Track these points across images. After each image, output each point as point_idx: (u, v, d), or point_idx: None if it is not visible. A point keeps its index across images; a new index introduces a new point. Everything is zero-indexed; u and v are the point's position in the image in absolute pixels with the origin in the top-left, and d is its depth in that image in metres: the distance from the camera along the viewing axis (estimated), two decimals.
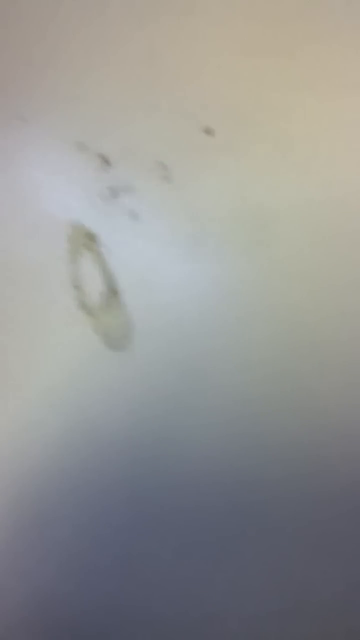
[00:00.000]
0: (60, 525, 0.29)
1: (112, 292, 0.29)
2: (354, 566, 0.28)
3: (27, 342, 0.29)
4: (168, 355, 0.29)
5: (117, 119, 0.29)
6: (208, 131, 0.29)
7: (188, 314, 0.29)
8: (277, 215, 0.28)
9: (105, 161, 0.29)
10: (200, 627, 0.29)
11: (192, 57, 0.28)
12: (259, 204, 0.28)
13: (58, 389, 0.29)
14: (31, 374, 0.29)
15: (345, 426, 0.27)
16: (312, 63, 0.27)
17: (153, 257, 0.29)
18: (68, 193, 0.30)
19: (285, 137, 0.28)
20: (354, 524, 0.28)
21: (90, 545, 0.29)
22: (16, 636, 0.30)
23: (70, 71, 0.29)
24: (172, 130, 0.29)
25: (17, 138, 0.30)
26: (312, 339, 0.28)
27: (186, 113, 0.29)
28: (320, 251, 0.28)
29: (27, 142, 0.30)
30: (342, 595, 0.28)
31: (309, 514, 0.28)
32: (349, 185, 0.27)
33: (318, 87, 0.27)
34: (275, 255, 0.28)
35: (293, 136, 0.27)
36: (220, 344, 0.29)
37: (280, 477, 0.28)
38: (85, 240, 0.29)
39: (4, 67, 0.30)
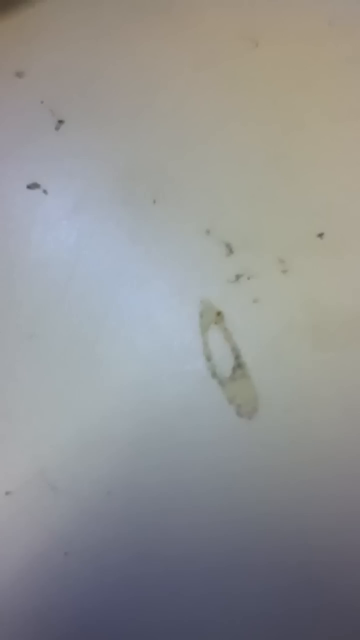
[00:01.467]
0: None
1: (239, 364, 0.31)
2: None
3: (163, 405, 0.30)
4: (290, 427, 0.31)
5: (244, 214, 0.34)
6: (320, 235, 0.34)
7: (310, 394, 0.32)
8: None
9: (230, 249, 0.33)
10: None
11: (315, 174, 0.35)
12: None
13: (192, 450, 0.30)
14: (168, 432, 0.30)
15: None
16: None
17: (274, 338, 0.32)
18: (198, 273, 0.33)
19: None
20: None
21: None
22: None
23: (203, 162, 0.34)
24: (291, 230, 0.34)
25: (149, 217, 0.33)
26: None
27: (305, 217, 0.34)
28: None
29: (158, 222, 0.33)
30: None
31: None
32: None
33: None
34: None
35: None
36: (338, 431, 0.31)
37: None
38: (215, 316, 0.32)
39: (142, 153, 0.34)
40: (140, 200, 0.34)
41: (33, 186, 0.34)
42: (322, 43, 0.36)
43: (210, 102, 0.36)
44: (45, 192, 0.34)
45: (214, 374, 0.31)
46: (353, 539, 0.29)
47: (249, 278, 0.33)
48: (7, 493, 0.28)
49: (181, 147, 0.35)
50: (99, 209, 0.34)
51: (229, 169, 0.35)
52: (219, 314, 0.32)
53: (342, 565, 0.28)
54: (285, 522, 0.29)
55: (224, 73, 0.37)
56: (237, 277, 0.33)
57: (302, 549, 0.28)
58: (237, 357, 0.31)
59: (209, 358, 0.31)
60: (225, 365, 0.31)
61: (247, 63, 0.36)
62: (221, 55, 0.37)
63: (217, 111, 0.36)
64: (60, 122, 0.36)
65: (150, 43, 0.37)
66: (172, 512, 0.28)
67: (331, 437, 0.30)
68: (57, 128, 0.36)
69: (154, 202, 0.34)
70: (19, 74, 0.37)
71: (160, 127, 0.35)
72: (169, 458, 0.29)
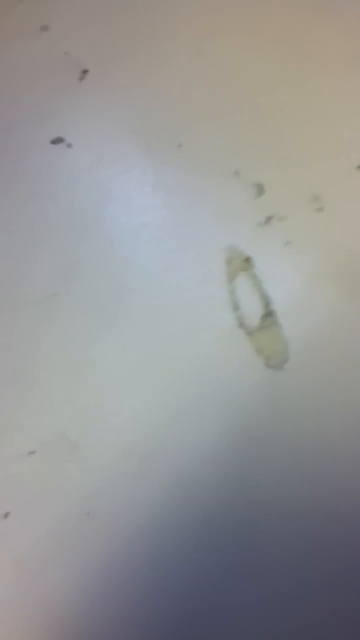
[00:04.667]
0: None
1: (268, 312, 0.29)
2: None
3: (186, 360, 0.29)
4: (322, 375, 0.29)
5: (276, 151, 0.31)
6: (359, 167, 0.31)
7: (340, 341, 0.29)
8: None
9: (261, 190, 0.31)
10: None
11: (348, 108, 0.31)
12: None
13: (217, 404, 0.28)
14: (191, 388, 0.29)
15: None
16: None
17: (307, 284, 0.30)
18: (225, 218, 0.31)
19: None
20: None
21: None
22: None
23: (230, 102, 0.32)
24: (327, 164, 0.31)
25: (174, 163, 0.32)
26: None
27: (340, 150, 0.31)
28: None
29: (183, 167, 0.31)
30: None
31: None
32: None
33: None
34: None
35: None
36: None
37: None
38: (242, 263, 0.30)
39: (166, 97, 0.32)
40: (165, 146, 0.32)
41: (57, 141, 0.33)
42: None
43: (234, 40, 0.33)
44: (69, 145, 0.33)
45: (242, 324, 0.29)
46: None
47: (280, 219, 0.31)
48: (30, 453, 0.28)
49: (206, 88, 0.33)
50: (123, 159, 0.33)
51: (257, 106, 0.32)
52: (247, 260, 0.30)
53: None
54: (312, 476, 0.27)
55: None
56: (268, 219, 0.31)
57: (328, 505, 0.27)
58: (267, 305, 0.29)
59: (236, 307, 0.29)
60: (253, 314, 0.29)
61: None
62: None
63: (242, 50, 0.33)
64: (85, 72, 0.35)
65: None
66: (195, 469, 0.28)
67: None
68: (81, 79, 0.35)
69: (180, 145, 0.32)
70: (44, 28, 0.37)
71: (184, 70, 0.33)
72: (193, 413, 0.28)
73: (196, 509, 0.27)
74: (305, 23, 0.33)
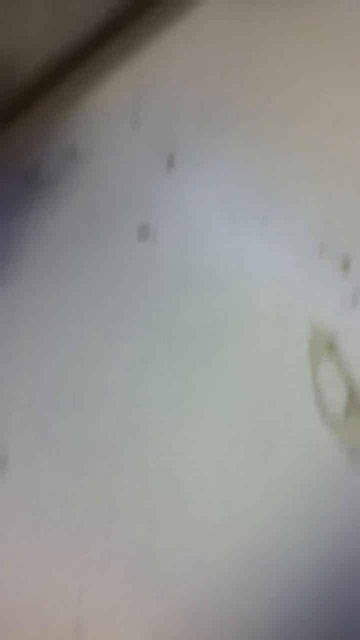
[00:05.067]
0: None
1: (353, 400, 0.27)
2: None
3: (266, 452, 0.27)
4: None
5: None
6: None
7: None
8: None
9: (347, 265, 0.29)
10: None
11: None
12: None
13: (298, 503, 0.26)
14: (272, 485, 0.27)
15: None
16: None
17: None
18: (310, 295, 0.29)
19: None
20: None
21: None
22: None
23: (318, 172, 0.30)
24: None
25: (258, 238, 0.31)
26: None
27: None
28: None
29: (269, 244, 0.30)
30: None
31: None
32: None
33: None
34: None
35: None
36: None
37: None
38: (326, 344, 0.28)
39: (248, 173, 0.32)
40: (248, 222, 0.32)
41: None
42: None
43: (325, 110, 0.33)
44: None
45: (324, 413, 0.27)
46: None
47: None
48: None
49: (287, 163, 0.32)
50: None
51: (345, 177, 0.31)
52: (331, 341, 0.28)
53: None
54: None
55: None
56: (354, 297, 0.29)
57: None
58: (352, 391, 0.27)
59: (317, 393, 0.28)
60: (337, 401, 0.27)
61: None
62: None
63: (331, 119, 0.32)
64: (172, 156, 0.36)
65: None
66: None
67: None
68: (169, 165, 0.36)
69: (263, 219, 0.32)
70: (136, 117, 0.38)
71: (269, 147, 0.33)
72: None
73: None
74: None
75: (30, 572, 0.26)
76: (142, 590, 0.25)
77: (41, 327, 0.30)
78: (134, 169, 0.35)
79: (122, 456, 0.27)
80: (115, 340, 0.30)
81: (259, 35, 0.38)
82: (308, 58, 0.34)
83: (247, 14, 0.38)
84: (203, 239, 0.32)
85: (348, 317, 0.28)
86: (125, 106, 0.38)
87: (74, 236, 0.32)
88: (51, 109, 0.35)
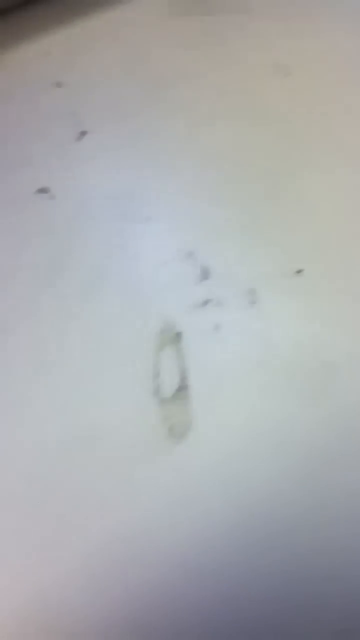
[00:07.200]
0: None
1: (183, 386, 0.33)
2: None
3: (94, 417, 0.32)
4: (218, 453, 0.32)
5: (230, 239, 0.34)
6: (299, 271, 0.34)
7: (245, 426, 0.32)
8: (340, 367, 0.32)
9: (206, 273, 0.34)
10: None
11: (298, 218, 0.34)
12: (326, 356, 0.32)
13: (111, 465, 0.31)
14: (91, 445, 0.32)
15: None
16: None
17: (227, 367, 0.33)
18: (169, 294, 0.34)
19: None
20: None
21: None
22: None
23: (201, 185, 0.35)
24: (270, 263, 0.34)
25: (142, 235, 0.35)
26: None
27: (284, 254, 0.34)
28: None
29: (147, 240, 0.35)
30: None
31: None
32: None
33: None
34: (339, 403, 0.32)
35: None
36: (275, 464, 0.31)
37: None
38: (173, 337, 0.33)
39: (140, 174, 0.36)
40: (133, 217, 0.36)
41: (42, 190, 0.37)
42: None
43: (219, 127, 0.37)
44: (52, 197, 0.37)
45: (156, 392, 0.33)
46: None
47: (216, 305, 0.34)
48: None
49: (177, 169, 0.36)
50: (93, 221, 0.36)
51: (223, 194, 0.36)
52: (177, 335, 0.33)
53: None
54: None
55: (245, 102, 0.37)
56: (205, 302, 0.34)
57: None
58: (184, 379, 0.33)
59: (156, 375, 0.33)
60: (170, 385, 0.33)
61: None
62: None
63: (221, 137, 0.37)
64: (83, 133, 0.39)
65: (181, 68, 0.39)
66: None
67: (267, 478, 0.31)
68: (78, 139, 0.39)
69: (147, 219, 0.36)
70: (59, 84, 0.41)
71: (164, 150, 0.37)
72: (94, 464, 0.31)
73: None
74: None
75: None
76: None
77: None
78: (44, 135, 0.38)
79: None
80: None
81: (188, 37, 0.41)
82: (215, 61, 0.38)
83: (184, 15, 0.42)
84: (92, 219, 0.36)
85: (195, 317, 0.33)
86: (48, 72, 0.40)
87: None
88: None
